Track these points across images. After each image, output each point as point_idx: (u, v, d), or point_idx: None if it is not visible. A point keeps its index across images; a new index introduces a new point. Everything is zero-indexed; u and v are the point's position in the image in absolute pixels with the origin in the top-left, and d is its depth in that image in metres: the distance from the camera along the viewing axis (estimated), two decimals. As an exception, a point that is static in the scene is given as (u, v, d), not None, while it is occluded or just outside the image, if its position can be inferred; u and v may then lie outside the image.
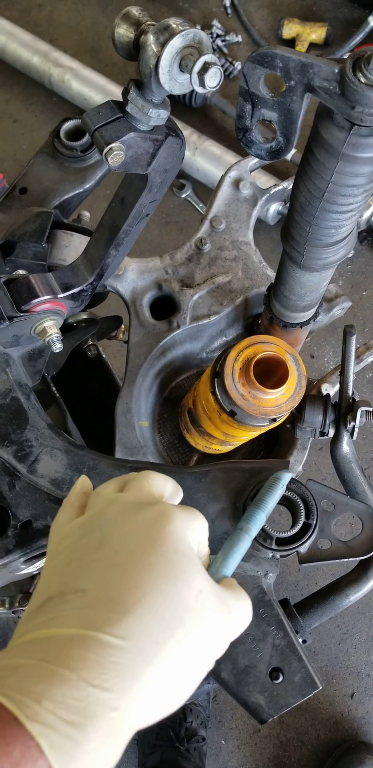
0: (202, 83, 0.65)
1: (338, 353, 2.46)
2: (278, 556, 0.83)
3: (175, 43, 0.65)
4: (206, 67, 0.65)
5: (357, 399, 0.95)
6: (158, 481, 0.63)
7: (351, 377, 0.96)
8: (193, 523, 0.57)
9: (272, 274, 1.21)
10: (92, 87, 2.85)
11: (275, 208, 2.53)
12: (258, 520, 0.67)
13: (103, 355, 1.45)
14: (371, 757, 1.89)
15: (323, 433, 1.02)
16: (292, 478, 0.84)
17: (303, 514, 0.82)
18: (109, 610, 0.48)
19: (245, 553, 0.64)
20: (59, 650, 0.45)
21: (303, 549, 0.83)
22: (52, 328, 0.94)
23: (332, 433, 1.00)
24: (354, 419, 0.93)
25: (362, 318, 2.55)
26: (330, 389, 1.10)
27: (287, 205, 0.85)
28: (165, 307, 1.19)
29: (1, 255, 1.05)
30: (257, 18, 3.25)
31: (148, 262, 1.21)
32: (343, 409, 0.96)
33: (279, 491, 0.71)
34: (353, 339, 0.94)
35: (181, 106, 2.91)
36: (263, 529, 0.81)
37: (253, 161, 1.28)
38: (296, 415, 1.02)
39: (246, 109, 0.69)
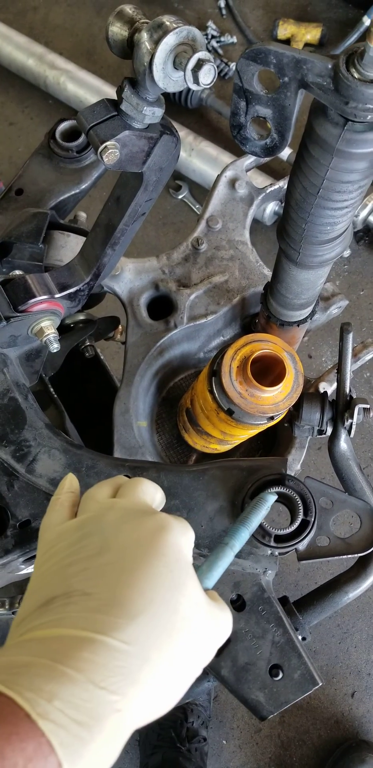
0: (196, 80, 0.66)
1: (335, 353, 2.47)
2: (276, 553, 0.83)
3: (169, 41, 0.65)
4: (199, 64, 0.65)
5: (354, 396, 0.96)
6: (150, 488, 0.65)
7: (348, 375, 0.96)
8: (187, 534, 0.60)
9: (268, 273, 1.21)
10: (88, 89, 2.85)
11: (271, 208, 2.53)
12: (242, 537, 0.69)
13: (101, 356, 1.45)
14: (372, 755, 1.89)
15: (320, 431, 1.02)
16: (290, 476, 0.84)
17: (301, 511, 0.82)
18: (116, 615, 0.50)
19: (226, 567, 0.66)
20: (68, 651, 0.47)
21: (302, 546, 0.83)
22: (49, 328, 0.94)
23: (329, 431, 1.00)
24: (352, 416, 0.93)
25: (360, 318, 2.55)
26: (328, 387, 1.10)
27: (283, 204, 0.85)
28: (162, 307, 1.19)
29: (-3, 256, 1.06)
30: (251, 19, 3.25)
31: (144, 262, 1.21)
32: (340, 407, 0.96)
33: (264, 511, 0.74)
34: (350, 336, 0.94)
35: (177, 107, 2.91)
36: (261, 527, 0.81)
37: (249, 161, 1.28)
38: (294, 414, 1.02)
39: (240, 106, 0.70)
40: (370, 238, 2.68)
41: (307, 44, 3.10)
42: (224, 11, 3.26)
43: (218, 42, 3.15)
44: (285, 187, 1.26)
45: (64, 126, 1.22)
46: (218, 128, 2.95)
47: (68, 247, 1.15)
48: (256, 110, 0.69)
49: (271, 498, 0.75)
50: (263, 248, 2.46)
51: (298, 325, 1.03)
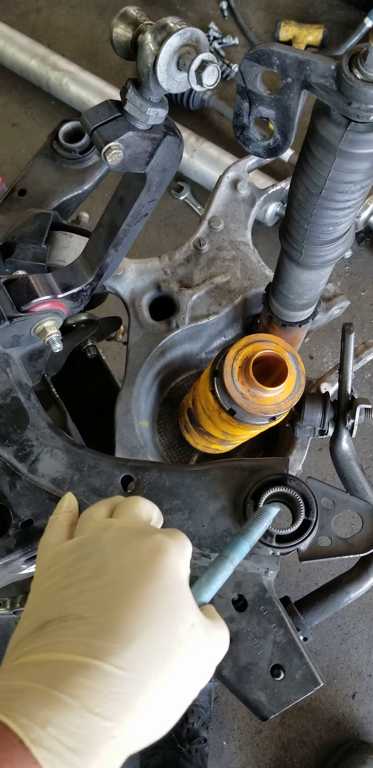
0: (199, 81, 0.66)
1: (336, 354, 2.47)
2: (278, 553, 0.83)
3: (173, 42, 0.66)
4: (203, 65, 0.65)
5: (356, 396, 0.96)
6: (147, 506, 0.65)
7: (350, 375, 0.96)
8: (184, 553, 0.59)
9: (270, 273, 1.21)
10: (90, 90, 2.86)
11: (272, 209, 2.53)
12: (242, 550, 0.69)
13: (103, 356, 1.45)
14: (372, 757, 1.89)
15: (322, 432, 1.02)
16: (292, 476, 0.85)
17: (303, 511, 0.82)
18: (111, 640, 0.50)
19: (226, 579, 0.66)
20: (63, 676, 0.47)
21: (303, 546, 0.83)
22: (51, 328, 0.94)
23: (331, 431, 1.00)
24: (353, 417, 0.94)
25: (361, 318, 2.56)
26: (329, 388, 1.10)
27: (285, 205, 0.85)
28: (164, 308, 1.19)
29: (0, 256, 1.06)
30: (253, 20, 3.26)
31: (147, 263, 1.21)
32: (342, 407, 0.97)
33: (265, 523, 0.73)
34: (352, 337, 0.94)
35: (179, 108, 2.92)
36: None
37: (251, 162, 1.28)
38: (296, 414, 1.03)
39: (244, 107, 0.70)
40: (371, 239, 2.68)
41: (308, 45, 3.10)
42: (225, 13, 3.26)
43: (219, 43, 3.16)
44: (287, 188, 1.27)
45: (66, 127, 1.22)
46: (219, 129, 2.95)
47: (71, 247, 1.15)
48: (259, 111, 0.69)
49: (274, 511, 0.75)
50: (264, 249, 2.46)
51: (300, 326, 1.03)
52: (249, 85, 0.67)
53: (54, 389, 1.20)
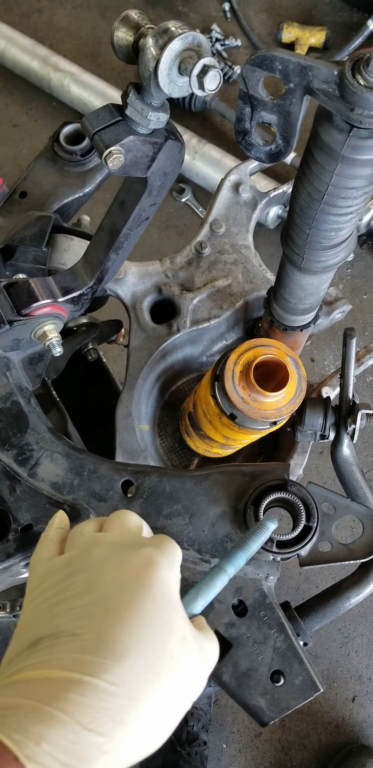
0: (201, 86, 0.66)
1: (338, 357, 2.46)
2: (278, 559, 0.83)
3: (175, 46, 0.65)
4: (205, 69, 0.65)
5: (357, 402, 0.95)
6: (134, 519, 0.66)
7: (351, 380, 0.96)
8: (174, 564, 0.59)
9: (271, 277, 1.21)
10: (91, 91, 2.86)
11: (274, 212, 2.53)
12: (238, 563, 0.69)
13: (104, 359, 1.45)
14: (372, 760, 1.88)
15: (323, 436, 1.02)
16: (292, 481, 0.84)
17: (304, 516, 0.82)
18: (103, 655, 0.50)
19: (219, 591, 0.66)
20: (56, 692, 0.47)
21: (304, 552, 0.83)
22: (52, 332, 0.94)
23: (332, 436, 1.00)
24: (354, 422, 0.93)
25: (363, 321, 2.55)
26: (330, 392, 1.10)
27: (287, 208, 0.85)
28: (165, 311, 1.19)
29: (1, 259, 1.06)
30: (256, 22, 3.26)
31: (148, 266, 1.21)
32: (343, 412, 0.96)
33: (263, 537, 0.73)
34: (354, 342, 0.94)
35: (181, 110, 2.91)
36: None
37: (252, 165, 1.28)
38: (297, 418, 1.02)
39: (245, 112, 0.70)
40: (373, 242, 2.67)
41: (311, 48, 3.10)
42: (228, 14, 3.26)
43: (222, 45, 3.16)
44: (289, 191, 1.27)
45: (68, 129, 1.22)
46: (221, 131, 2.95)
47: (72, 250, 1.15)
48: (261, 116, 0.69)
49: (271, 526, 0.74)
50: (266, 252, 2.46)
51: (301, 330, 1.03)
52: (251, 90, 0.67)
53: (54, 392, 1.20)
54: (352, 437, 0.95)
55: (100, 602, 0.54)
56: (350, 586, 0.91)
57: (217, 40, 3.17)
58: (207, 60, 0.65)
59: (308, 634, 0.90)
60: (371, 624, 2.11)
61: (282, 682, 0.79)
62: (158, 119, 0.74)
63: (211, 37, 3.17)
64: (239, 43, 3.17)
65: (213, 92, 0.66)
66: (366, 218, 2.52)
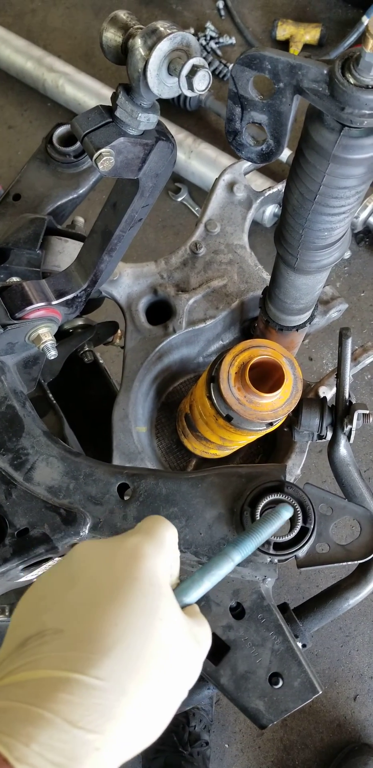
0: (190, 86, 0.65)
1: (335, 355, 2.45)
2: (276, 560, 0.82)
3: (163, 47, 0.65)
4: (194, 70, 0.64)
5: (354, 402, 0.95)
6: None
7: (347, 380, 0.95)
8: (162, 549, 0.58)
9: (267, 276, 1.20)
10: (86, 91, 2.85)
11: (271, 210, 2.53)
12: (246, 549, 0.66)
13: (100, 361, 1.45)
14: (375, 758, 1.88)
15: (320, 436, 1.01)
16: (289, 483, 0.84)
17: (301, 518, 0.82)
18: (90, 650, 0.49)
19: (223, 577, 0.64)
20: (44, 693, 0.47)
21: (301, 553, 0.83)
22: (46, 335, 0.93)
23: (329, 436, 0.99)
24: (351, 422, 0.93)
25: (360, 320, 2.55)
26: (328, 392, 1.10)
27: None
28: (161, 312, 1.18)
29: (-6, 262, 1.05)
30: (250, 19, 3.25)
31: (143, 267, 1.20)
32: (340, 413, 0.96)
33: (276, 525, 0.70)
34: (349, 342, 0.93)
35: (176, 109, 2.91)
36: None
37: (247, 164, 1.27)
38: (293, 419, 1.02)
39: (236, 112, 0.69)
40: (370, 239, 2.67)
41: (306, 45, 3.09)
42: (222, 12, 3.25)
43: (216, 43, 3.15)
44: (283, 190, 1.26)
45: (61, 131, 1.21)
46: (217, 130, 2.94)
47: (66, 252, 1.14)
48: (251, 116, 0.68)
49: (286, 514, 0.72)
50: (262, 250, 2.46)
51: (297, 330, 1.03)
52: (241, 90, 0.66)
53: (51, 395, 1.20)
54: (349, 437, 0.95)
55: (84, 596, 0.53)
56: (349, 587, 0.91)
57: (211, 38, 3.16)
58: (196, 60, 0.64)
59: (307, 636, 0.89)
60: (371, 622, 2.11)
61: (280, 684, 0.78)
62: (148, 120, 0.74)
63: (205, 36, 3.16)
64: (233, 41, 3.17)
65: (202, 92, 0.66)
66: (363, 215, 2.52)
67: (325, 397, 1.03)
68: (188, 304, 1.17)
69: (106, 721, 0.47)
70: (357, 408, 0.92)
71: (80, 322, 1.27)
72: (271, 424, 0.94)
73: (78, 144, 1.20)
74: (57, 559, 0.96)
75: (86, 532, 0.86)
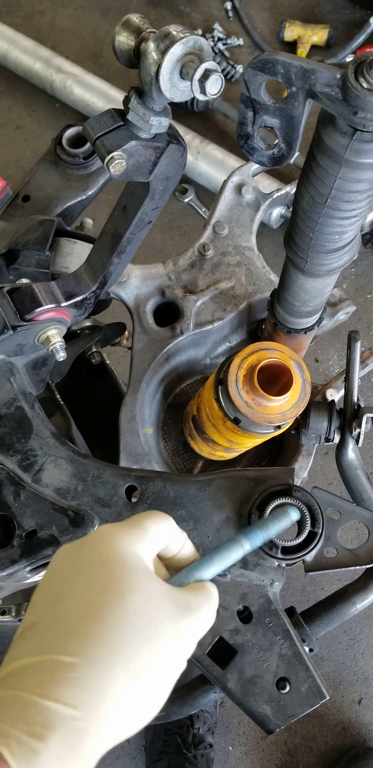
0: (203, 90, 0.65)
1: (342, 357, 2.45)
2: (283, 565, 0.82)
3: (176, 51, 0.65)
4: (206, 74, 0.64)
5: (362, 405, 0.95)
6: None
7: (356, 383, 0.95)
8: (136, 533, 0.58)
9: (275, 279, 1.20)
10: (94, 92, 2.85)
11: (278, 211, 2.52)
12: (255, 540, 0.68)
13: (108, 362, 1.45)
14: (379, 762, 1.88)
15: (328, 440, 1.01)
16: (297, 486, 0.84)
17: (309, 522, 0.81)
18: (57, 632, 0.51)
19: (233, 563, 0.65)
20: (17, 679, 0.49)
21: (309, 557, 0.82)
22: (55, 336, 0.93)
23: (337, 439, 0.99)
24: (359, 426, 0.93)
25: (367, 321, 2.54)
26: (335, 394, 1.09)
27: (290, 209, 0.84)
28: (168, 314, 1.19)
29: (4, 263, 1.05)
30: (258, 21, 3.25)
31: (151, 269, 1.20)
32: (348, 416, 0.96)
33: (284, 523, 0.73)
34: (358, 345, 0.93)
35: (184, 110, 2.91)
36: None
37: (255, 166, 1.27)
38: (301, 422, 1.02)
39: (248, 116, 0.69)
40: (377, 241, 2.66)
41: (314, 46, 3.09)
42: (230, 13, 3.25)
43: (224, 44, 3.15)
44: (292, 192, 1.26)
45: (70, 132, 1.21)
46: (224, 131, 2.94)
47: (75, 254, 1.14)
48: (263, 120, 0.68)
49: (294, 516, 0.74)
50: (269, 252, 2.46)
51: (305, 333, 1.02)
52: (253, 94, 0.66)
53: (58, 396, 1.20)
54: (357, 441, 0.94)
55: (53, 587, 0.55)
56: (356, 592, 0.91)
57: (219, 39, 3.16)
58: (209, 64, 0.64)
59: (314, 640, 0.89)
60: (377, 625, 2.10)
61: (288, 689, 0.78)
62: (160, 124, 0.74)
63: (213, 37, 3.16)
64: (241, 42, 3.16)
65: (215, 96, 0.66)
66: (370, 217, 2.51)
67: (333, 401, 1.03)
68: (195, 306, 1.17)
69: (82, 692, 0.48)
70: (366, 411, 0.91)
71: (88, 323, 1.27)
72: (279, 427, 0.94)
73: (87, 146, 1.20)
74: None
75: (94, 533, 0.86)
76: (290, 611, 0.88)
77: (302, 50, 3.06)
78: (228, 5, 3.25)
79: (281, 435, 1.05)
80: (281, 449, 1.25)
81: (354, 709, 2.02)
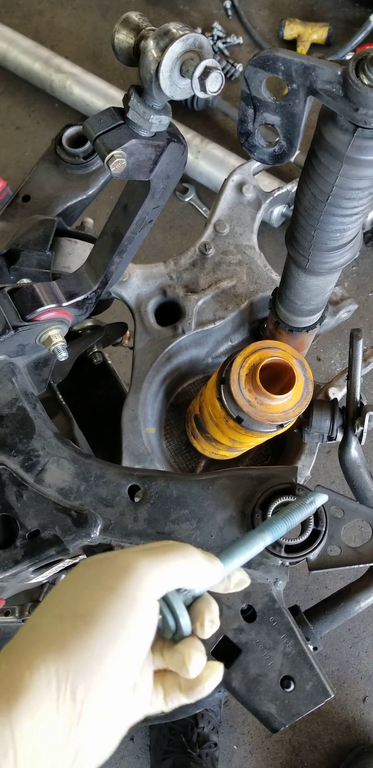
0: (203, 88, 0.65)
1: (344, 355, 2.45)
2: (287, 563, 0.82)
3: (176, 48, 0.65)
4: (206, 71, 0.64)
5: (365, 403, 0.95)
6: None
7: (359, 381, 0.95)
8: (161, 570, 0.58)
9: (276, 277, 1.20)
10: (94, 92, 2.85)
11: (279, 210, 2.52)
12: (278, 532, 0.67)
13: (109, 362, 1.45)
14: (384, 760, 1.88)
15: (330, 438, 1.01)
16: (301, 485, 0.84)
17: (312, 521, 0.81)
18: (31, 620, 0.56)
19: (254, 554, 0.64)
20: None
21: (313, 556, 0.82)
22: (57, 336, 0.93)
23: (339, 437, 0.99)
24: (362, 424, 0.92)
25: (369, 320, 2.54)
26: (337, 393, 1.09)
27: (291, 207, 0.84)
28: (170, 313, 1.18)
29: (5, 264, 1.05)
30: (257, 19, 3.24)
31: (152, 268, 1.20)
32: (351, 414, 0.95)
33: (309, 510, 0.71)
34: (360, 343, 0.93)
35: (183, 109, 2.90)
36: None
37: (256, 164, 1.27)
38: (304, 420, 1.01)
39: (248, 114, 0.69)
40: (378, 238, 2.66)
41: (313, 44, 3.08)
42: (229, 12, 3.25)
43: (223, 43, 3.15)
44: (293, 190, 1.26)
45: (70, 132, 1.21)
46: (224, 130, 2.94)
47: (76, 253, 1.14)
48: (264, 118, 0.68)
49: (320, 500, 0.71)
50: (270, 250, 2.45)
51: (307, 331, 1.02)
52: (254, 92, 0.66)
53: (60, 396, 1.20)
54: (360, 439, 0.94)
55: (65, 586, 0.59)
56: (360, 590, 0.90)
57: (218, 38, 3.16)
58: (209, 61, 0.64)
59: (318, 639, 0.89)
60: (380, 623, 2.10)
61: (292, 687, 0.78)
62: (160, 122, 0.74)
63: (212, 36, 3.16)
64: (240, 40, 3.16)
65: (215, 94, 0.66)
66: (372, 215, 2.50)
67: (336, 399, 1.02)
68: (197, 305, 1.17)
69: (37, 644, 0.52)
70: (369, 410, 0.91)
71: (89, 323, 1.27)
72: (281, 425, 0.94)
73: (87, 145, 1.20)
74: (68, 561, 0.97)
75: (97, 533, 0.86)
76: (294, 610, 0.88)
77: (302, 48, 3.06)
78: (227, 4, 3.24)
79: (283, 434, 1.04)
80: (283, 448, 1.25)
81: (359, 707, 2.02)
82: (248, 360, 0.93)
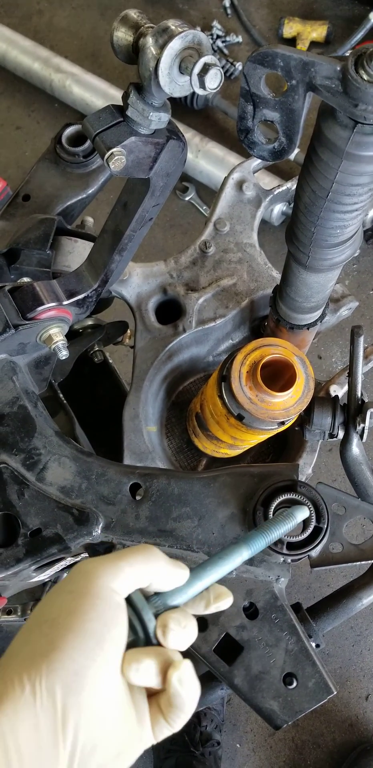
0: (202, 85, 0.65)
1: (345, 353, 2.45)
2: (289, 560, 0.82)
3: (175, 45, 0.65)
4: (206, 68, 0.64)
5: (366, 400, 0.94)
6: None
7: (360, 379, 0.95)
8: (115, 570, 0.59)
9: (277, 275, 1.20)
10: (93, 92, 2.85)
11: (279, 208, 2.52)
12: (257, 546, 0.67)
13: (110, 361, 1.45)
14: (387, 758, 1.87)
15: (332, 435, 1.01)
16: (302, 482, 0.83)
17: (314, 517, 0.81)
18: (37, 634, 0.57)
19: (230, 570, 0.64)
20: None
21: (315, 553, 0.82)
22: (57, 335, 0.93)
23: (341, 435, 0.99)
24: (363, 421, 0.92)
25: (370, 317, 2.54)
26: (338, 390, 1.09)
27: (292, 205, 0.84)
28: (170, 312, 1.18)
29: (5, 263, 1.05)
30: (257, 18, 3.24)
31: (152, 267, 1.20)
32: (352, 411, 0.95)
33: (289, 526, 0.72)
34: (361, 340, 0.93)
35: (183, 108, 2.90)
36: None
37: (256, 162, 1.27)
38: (305, 418, 1.01)
39: (248, 110, 0.69)
40: (379, 236, 2.65)
41: (313, 42, 3.08)
42: (229, 11, 3.24)
43: (223, 42, 3.14)
44: (293, 188, 1.26)
45: (70, 131, 1.21)
46: (224, 129, 2.94)
47: (76, 252, 1.14)
48: (263, 114, 0.68)
49: (300, 515, 0.73)
50: (271, 249, 2.44)
51: (308, 328, 1.02)
52: (253, 88, 0.66)
53: (61, 395, 1.20)
54: (361, 436, 0.94)
55: (41, 613, 0.60)
56: (362, 587, 0.90)
57: (218, 36, 3.15)
58: (208, 58, 0.64)
59: (320, 636, 0.89)
60: (383, 621, 2.10)
61: (295, 684, 0.78)
62: (160, 119, 0.74)
63: (212, 34, 3.15)
64: (240, 39, 3.16)
65: (214, 91, 0.66)
66: (372, 213, 2.50)
67: (337, 396, 1.02)
68: (197, 304, 1.17)
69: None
70: (370, 407, 0.91)
71: (90, 322, 1.27)
72: (283, 423, 0.94)
73: (87, 144, 1.20)
74: (69, 559, 0.97)
75: (99, 532, 0.86)
76: (296, 607, 0.88)
77: (301, 46, 3.06)
78: (227, 2, 3.24)
79: (284, 432, 1.04)
80: (285, 446, 1.25)
81: (361, 705, 2.02)
82: (248, 357, 0.93)
